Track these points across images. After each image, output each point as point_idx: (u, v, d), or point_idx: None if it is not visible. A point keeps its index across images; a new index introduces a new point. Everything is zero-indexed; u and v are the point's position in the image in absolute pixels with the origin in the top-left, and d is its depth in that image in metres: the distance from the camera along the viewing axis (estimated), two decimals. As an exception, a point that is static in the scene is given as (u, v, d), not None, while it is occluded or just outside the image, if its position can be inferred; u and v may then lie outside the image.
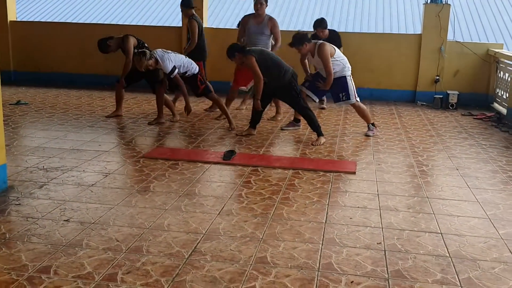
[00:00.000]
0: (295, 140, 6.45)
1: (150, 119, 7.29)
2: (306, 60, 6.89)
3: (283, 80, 6.39)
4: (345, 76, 6.71)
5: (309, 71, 7.02)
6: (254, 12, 7.56)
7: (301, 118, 6.88)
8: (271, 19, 7.55)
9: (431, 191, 4.69)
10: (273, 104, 7.83)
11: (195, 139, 6.34)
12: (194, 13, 8.02)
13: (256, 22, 7.53)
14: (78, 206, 4.05)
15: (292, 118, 7.21)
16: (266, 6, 7.53)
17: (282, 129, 6.99)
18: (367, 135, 6.81)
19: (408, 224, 3.88)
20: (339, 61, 6.66)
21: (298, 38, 6.55)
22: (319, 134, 6.40)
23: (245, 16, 7.77)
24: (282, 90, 6.47)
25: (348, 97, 6.75)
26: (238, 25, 8.11)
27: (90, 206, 4.05)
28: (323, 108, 8.57)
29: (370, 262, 3.25)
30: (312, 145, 6.23)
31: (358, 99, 6.83)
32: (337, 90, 6.77)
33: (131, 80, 7.53)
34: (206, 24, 10.07)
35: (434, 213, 4.10)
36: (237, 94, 7.87)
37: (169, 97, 7.47)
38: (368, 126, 6.95)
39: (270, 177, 4.92)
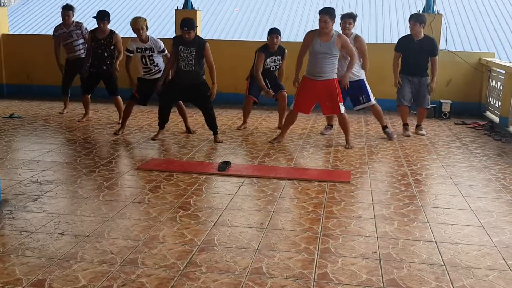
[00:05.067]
0: (289, 151, 6.47)
1: (144, 131, 7.29)
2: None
3: (201, 78, 6.66)
4: (363, 79, 7.08)
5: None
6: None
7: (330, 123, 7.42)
8: (339, 36, 6.55)
9: (425, 199, 4.71)
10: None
11: (189, 150, 6.34)
12: None
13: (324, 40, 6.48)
14: (72, 219, 4.03)
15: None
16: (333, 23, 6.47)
17: (322, 134, 7.37)
18: (390, 138, 7.20)
19: (403, 233, 3.89)
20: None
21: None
22: (216, 133, 6.86)
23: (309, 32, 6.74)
24: (198, 87, 6.67)
25: (368, 98, 7.10)
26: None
27: (85, 219, 4.04)
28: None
29: (365, 271, 3.25)
30: (217, 142, 6.77)
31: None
32: (355, 93, 7.05)
33: (91, 88, 7.99)
34: (200, 35, 10.09)
35: (428, 222, 4.12)
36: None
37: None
38: (384, 128, 7.24)
39: (265, 188, 4.93)
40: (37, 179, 5.03)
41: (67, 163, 5.66)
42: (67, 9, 8.32)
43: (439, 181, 5.31)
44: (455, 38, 16.70)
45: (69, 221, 3.99)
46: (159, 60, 7.03)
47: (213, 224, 3.99)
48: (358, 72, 6.99)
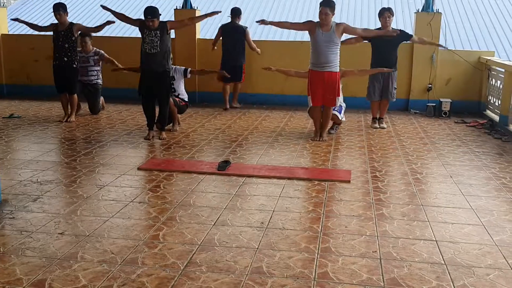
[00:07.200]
0: (289, 150, 6.47)
1: (144, 130, 7.29)
2: None
3: (166, 65, 6.72)
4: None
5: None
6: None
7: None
8: (338, 24, 6.75)
9: (425, 198, 4.71)
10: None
11: (189, 150, 6.34)
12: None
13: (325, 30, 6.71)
14: (72, 218, 4.03)
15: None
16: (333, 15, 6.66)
17: (329, 133, 7.36)
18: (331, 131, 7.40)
19: (403, 232, 3.89)
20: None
21: None
22: (163, 130, 6.99)
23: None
24: (162, 75, 6.73)
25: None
26: None
27: (85, 218, 4.04)
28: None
29: (365, 270, 3.25)
30: (159, 139, 6.84)
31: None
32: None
33: (64, 86, 8.00)
34: (198, 35, 10.12)
35: (428, 221, 4.12)
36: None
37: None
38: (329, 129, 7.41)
39: (265, 187, 4.93)
40: (37, 179, 5.03)
41: (67, 163, 5.66)
42: (84, 36, 8.30)
43: (439, 180, 5.31)
44: (455, 37, 16.68)
45: (69, 221, 3.99)
46: (181, 90, 7.56)
47: (213, 223, 3.99)
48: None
